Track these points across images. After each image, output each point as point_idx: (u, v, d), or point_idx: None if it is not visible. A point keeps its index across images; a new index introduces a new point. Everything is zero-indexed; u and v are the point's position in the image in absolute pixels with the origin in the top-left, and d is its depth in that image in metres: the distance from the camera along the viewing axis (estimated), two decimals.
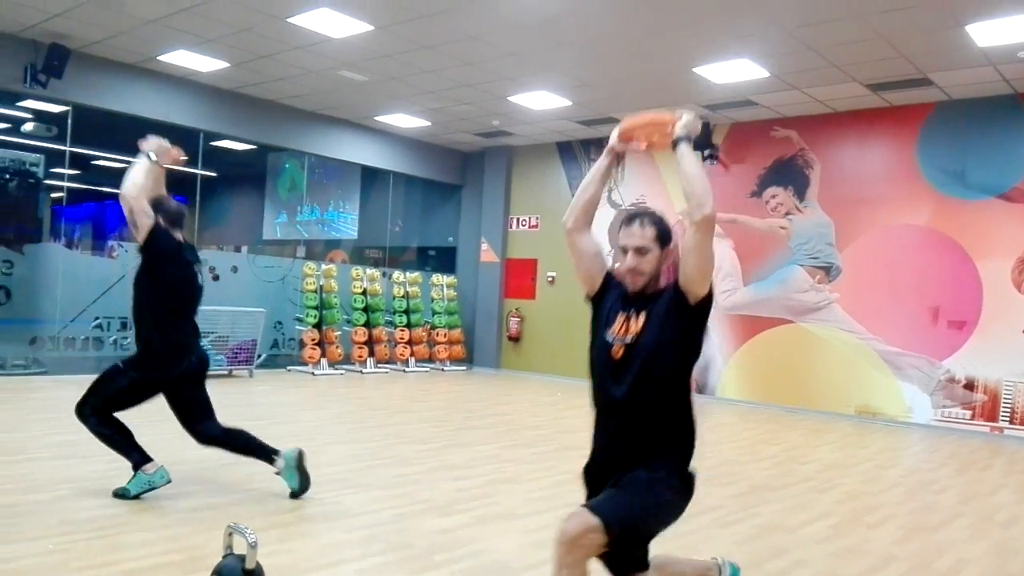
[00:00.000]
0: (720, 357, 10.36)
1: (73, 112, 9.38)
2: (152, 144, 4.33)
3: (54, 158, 10.16)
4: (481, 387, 10.59)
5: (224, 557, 2.65)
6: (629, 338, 2.44)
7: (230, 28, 7.87)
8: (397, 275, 12.39)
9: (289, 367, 10.85)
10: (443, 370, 12.26)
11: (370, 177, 13.98)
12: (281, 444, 5.78)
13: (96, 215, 19.72)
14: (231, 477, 4.68)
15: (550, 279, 12.19)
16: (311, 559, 3.35)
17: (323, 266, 11.39)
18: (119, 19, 7.79)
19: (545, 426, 7.51)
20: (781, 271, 9.96)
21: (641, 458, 2.41)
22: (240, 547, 2.68)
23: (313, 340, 10.78)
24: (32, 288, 8.61)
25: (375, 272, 12.09)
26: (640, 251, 2.45)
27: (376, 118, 11.41)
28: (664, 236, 2.48)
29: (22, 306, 8.52)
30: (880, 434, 8.28)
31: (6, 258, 8.47)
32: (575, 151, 11.99)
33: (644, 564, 2.53)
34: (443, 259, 13.88)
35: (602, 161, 2.65)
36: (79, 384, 7.43)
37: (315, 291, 11.00)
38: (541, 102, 9.91)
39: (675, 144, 2.47)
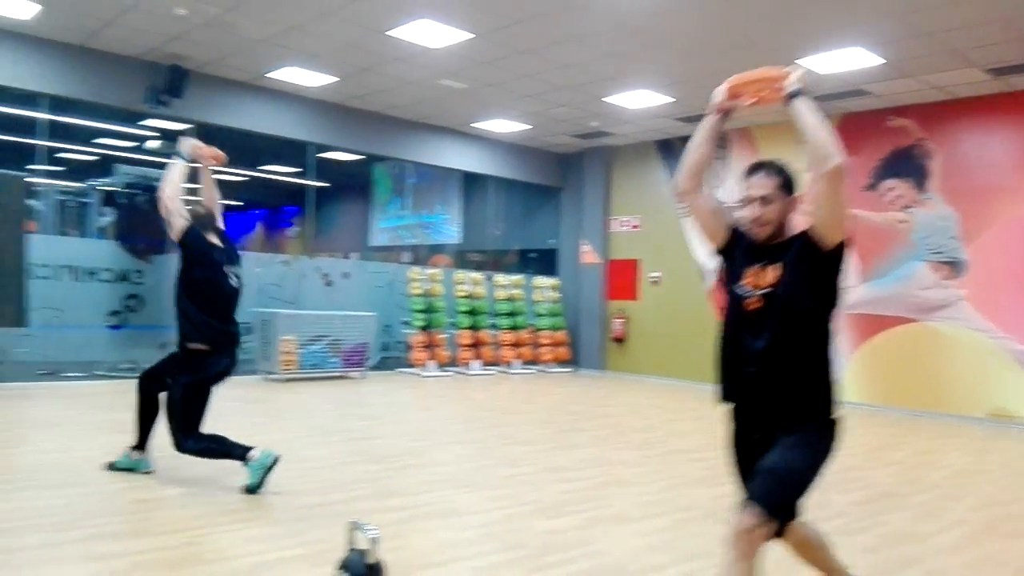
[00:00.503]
0: (838, 358, 9.91)
1: (194, 130, 9.96)
2: (184, 145, 4.52)
3: None
4: (586, 389, 10.55)
5: (347, 551, 2.74)
6: (763, 289, 2.44)
7: (335, 44, 8.16)
8: (499, 278, 12.52)
9: (398, 369, 11.13)
10: (547, 372, 12.28)
11: (471, 182, 14.20)
12: (395, 443, 5.97)
13: None
14: (346, 475, 4.83)
15: (654, 280, 12.02)
16: (427, 556, 3.42)
17: (428, 271, 11.64)
18: (232, 39, 8.21)
19: (654, 429, 7.40)
20: (902, 267, 9.45)
21: (785, 410, 2.40)
22: (361, 542, 2.77)
23: (421, 343, 11.03)
24: (160, 296, 9.20)
25: (478, 275, 12.26)
26: (764, 200, 2.45)
27: (475, 124, 11.56)
28: (788, 184, 2.48)
29: (152, 312, 9.11)
30: (1015, 439, 7.73)
31: (137, 268, 9.07)
32: (676, 149, 11.77)
33: (792, 514, 2.50)
34: (544, 261, 13.92)
35: (709, 120, 2.64)
36: None
37: (421, 295, 11.25)
38: (640, 101, 9.80)
39: (789, 99, 2.43)
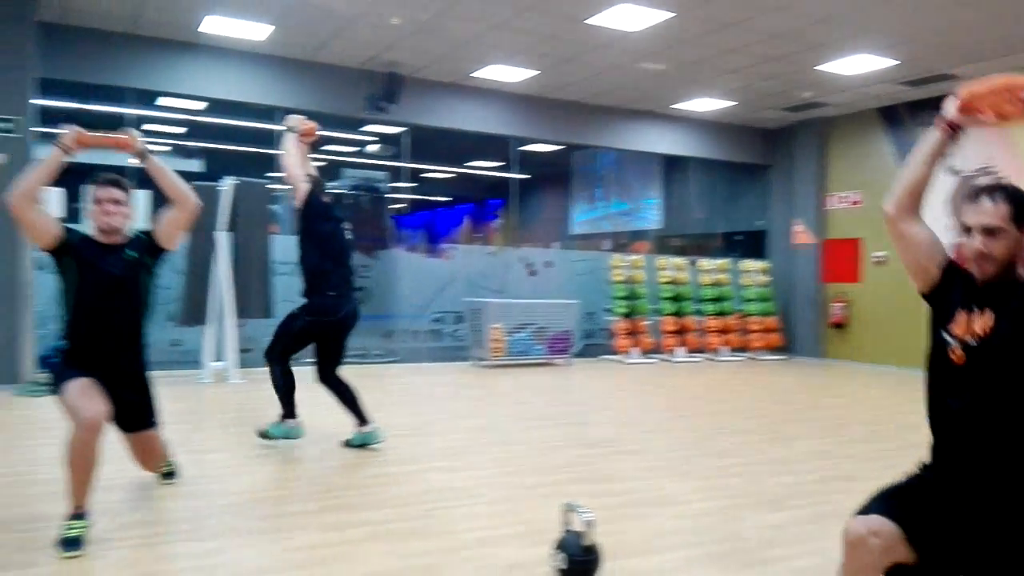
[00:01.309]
0: None
1: (408, 132, 10.61)
2: (291, 120, 4.99)
3: (394, 174, 11.60)
4: (802, 377, 10.00)
5: (564, 533, 2.81)
6: (973, 339, 2.03)
7: (535, 38, 8.32)
8: (704, 263, 12.17)
9: (602, 356, 11.19)
10: (758, 359, 11.78)
11: (671, 165, 13.90)
12: (604, 429, 6.03)
13: (429, 222, 22.14)
14: (559, 459, 4.94)
15: (878, 260, 11.10)
16: (642, 543, 3.41)
17: (630, 257, 11.58)
18: (440, 43, 8.62)
19: (882, 421, 6.86)
20: None
21: (990, 488, 2.01)
22: (577, 525, 2.82)
23: (624, 330, 11.00)
24: (384, 288, 9.96)
25: (681, 261, 12.00)
26: (990, 232, 2.02)
27: (675, 106, 11.29)
28: (1022, 214, 2.03)
29: (378, 304, 9.90)
30: None
31: (363, 263, 9.85)
32: (902, 116, 10.76)
33: None
34: (751, 244, 13.33)
35: (932, 136, 2.21)
36: (425, 371, 8.32)
37: (623, 282, 11.22)
38: (859, 66, 9.06)
39: None
